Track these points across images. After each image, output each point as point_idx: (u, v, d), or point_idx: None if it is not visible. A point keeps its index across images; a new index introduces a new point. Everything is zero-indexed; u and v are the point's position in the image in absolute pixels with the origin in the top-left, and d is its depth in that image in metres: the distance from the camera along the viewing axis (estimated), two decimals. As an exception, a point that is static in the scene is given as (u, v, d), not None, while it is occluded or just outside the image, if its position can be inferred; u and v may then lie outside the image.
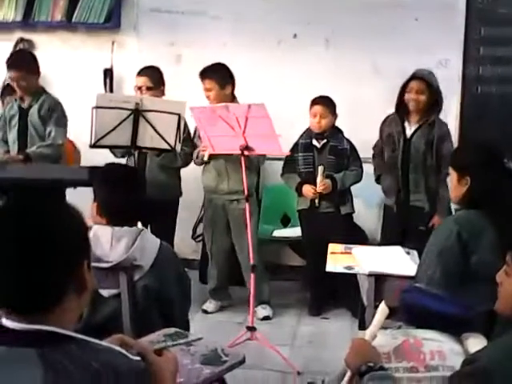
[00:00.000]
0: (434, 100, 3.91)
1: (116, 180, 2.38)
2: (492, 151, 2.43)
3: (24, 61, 4.15)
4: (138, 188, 2.40)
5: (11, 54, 4.54)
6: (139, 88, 4.15)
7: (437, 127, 3.93)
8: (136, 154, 3.91)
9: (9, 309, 1.17)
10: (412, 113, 3.96)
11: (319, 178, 4.09)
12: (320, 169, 4.10)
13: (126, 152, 4.05)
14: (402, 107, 3.97)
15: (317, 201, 4.12)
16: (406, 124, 4.00)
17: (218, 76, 4.05)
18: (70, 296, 1.20)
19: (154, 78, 4.17)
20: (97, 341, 1.21)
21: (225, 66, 4.11)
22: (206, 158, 4.02)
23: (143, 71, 4.21)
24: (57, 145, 4.12)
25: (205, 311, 4.27)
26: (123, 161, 4.10)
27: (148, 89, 4.12)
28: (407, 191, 4.01)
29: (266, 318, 4.15)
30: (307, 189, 4.13)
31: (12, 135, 4.20)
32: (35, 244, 1.15)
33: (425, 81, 3.88)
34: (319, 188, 4.08)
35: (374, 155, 4.22)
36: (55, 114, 4.16)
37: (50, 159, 4.06)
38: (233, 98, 4.09)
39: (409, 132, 3.99)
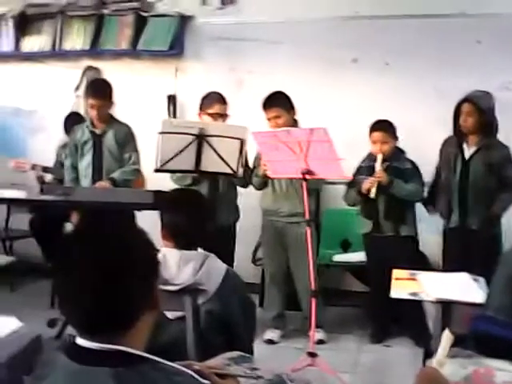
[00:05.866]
0: (486, 122, 3.82)
1: (181, 204, 2.42)
2: None
3: (104, 90, 4.26)
4: (202, 212, 2.42)
5: (91, 82, 4.71)
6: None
7: (497, 150, 3.85)
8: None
9: (85, 328, 1.19)
10: (469, 135, 3.89)
11: (378, 166, 4.01)
12: (379, 157, 4.02)
13: (194, 181, 4.03)
14: (458, 129, 3.91)
15: (374, 190, 3.96)
16: (465, 146, 3.93)
17: (283, 102, 4.09)
18: (145, 316, 1.22)
19: None
20: (169, 363, 1.22)
21: (284, 93, 4.13)
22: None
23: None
24: (138, 170, 4.31)
25: (270, 341, 4.20)
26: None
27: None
28: (465, 214, 3.91)
29: (320, 342, 4.06)
30: (366, 182, 4.01)
31: (86, 160, 4.29)
32: (113, 266, 1.17)
33: (473, 103, 3.81)
34: (377, 175, 3.98)
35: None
36: (132, 140, 4.32)
37: (130, 184, 4.19)
38: (294, 123, 4.11)
39: (467, 154, 3.92)
